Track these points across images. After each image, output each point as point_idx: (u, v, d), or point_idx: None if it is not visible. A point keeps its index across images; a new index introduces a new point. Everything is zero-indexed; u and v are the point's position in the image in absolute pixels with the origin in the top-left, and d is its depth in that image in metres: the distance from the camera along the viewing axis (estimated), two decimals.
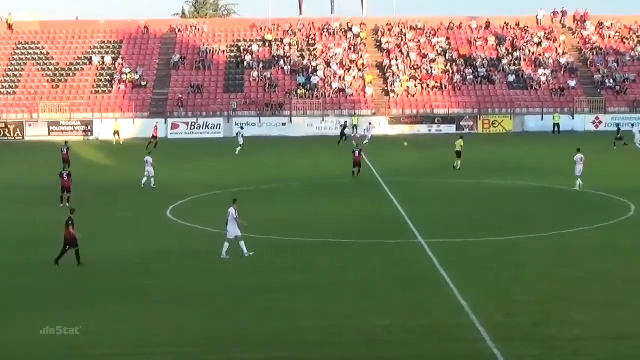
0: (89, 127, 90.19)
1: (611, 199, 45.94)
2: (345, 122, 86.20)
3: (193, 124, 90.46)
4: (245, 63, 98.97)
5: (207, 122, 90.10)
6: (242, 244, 33.19)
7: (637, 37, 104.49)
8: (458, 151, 59.16)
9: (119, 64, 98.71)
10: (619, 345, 22.92)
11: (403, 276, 30.24)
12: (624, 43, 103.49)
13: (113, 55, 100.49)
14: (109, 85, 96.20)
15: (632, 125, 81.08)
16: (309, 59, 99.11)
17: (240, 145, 71.50)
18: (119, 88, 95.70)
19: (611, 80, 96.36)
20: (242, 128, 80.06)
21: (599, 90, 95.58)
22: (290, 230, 38.78)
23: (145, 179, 51.96)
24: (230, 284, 29.55)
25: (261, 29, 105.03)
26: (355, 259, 32.93)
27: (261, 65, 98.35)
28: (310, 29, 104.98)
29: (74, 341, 23.59)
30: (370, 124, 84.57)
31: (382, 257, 33.30)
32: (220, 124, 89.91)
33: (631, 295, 27.57)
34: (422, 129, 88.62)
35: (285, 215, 42.73)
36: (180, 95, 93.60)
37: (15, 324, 25.33)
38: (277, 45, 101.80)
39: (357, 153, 55.29)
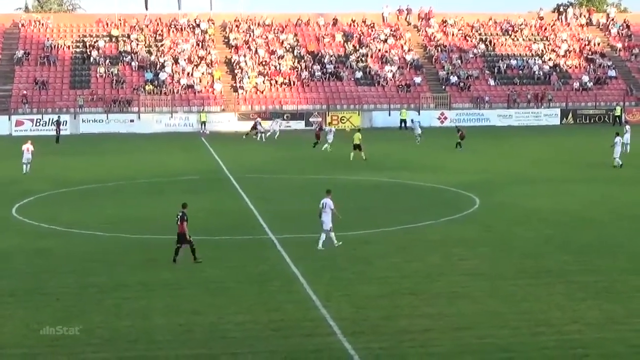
0: None
1: (457, 194, 47.03)
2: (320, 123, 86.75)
3: (38, 120, 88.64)
4: (92, 59, 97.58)
5: (52, 119, 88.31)
6: (324, 236, 33.96)
7: (479, 34, 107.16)
8: (357, 144, 61.33)
9: None
10: (464, 336, 23.58)
11: (254, 272, 30.35)
12: (467, 40, 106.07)
13: None
14: None
15: (412, 120, 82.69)
16: (156, 55, 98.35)
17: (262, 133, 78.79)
18: None
19: (455, 77, 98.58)
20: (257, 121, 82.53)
21: (443, 87, 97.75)
22: (140, 227, 38.47)
23: None
24: (80, 282, 29.13)
25: (107, 24, 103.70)
26: (206, 256, 32.82)
27: (108, 61, 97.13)
28: (158, 24, 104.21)
29: None
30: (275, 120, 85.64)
31: (234, 253, 33.33)
32: (66, 121, 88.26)
33: (473, 286, 28.36)
34: (263, 124, 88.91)
35: (134, 213, 42.33)
36: (24, 92, 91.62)
37: None
38: (124, 40, 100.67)
39: (318, 129, 62.96)
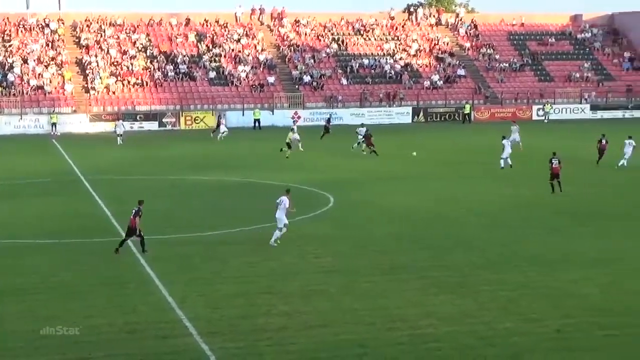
0: None
1: (313, 192, 47.35)
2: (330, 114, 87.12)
3: None
4: None
5: None
6: (279, 233, 34.35)
7: (332, 34, 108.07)
8: (288, 142, 63.81)
9: None
10: (319, 333, 23.84)
11: (109, 275, 30.01)
12: (320, 40, 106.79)
13: None
14: None
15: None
16: (4, 56, 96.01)
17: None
18: None
19: (308, 76, 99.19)
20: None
21: (297, 86, 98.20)
22: None
23: None
24: None
25: None
26: (60, 260, 32.35)
27: None
28: (5, 24, 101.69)
29: None
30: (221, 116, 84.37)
31: (87, 256, 32.87)
32: None
33: (328, 284, 28.68)
34: (124, 126, 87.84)
35: None
36: None
37: None
38: None
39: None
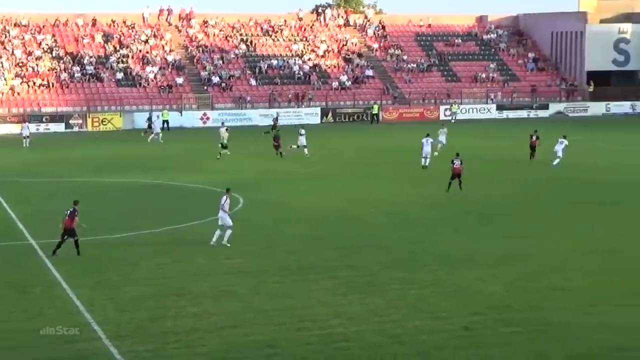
0: None
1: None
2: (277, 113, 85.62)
3: None
4: None
5: None
6: (218, 233, 34.31)
7: (240, 35, 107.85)
8: (222, 143, 63.11)
9: None
10: (229, 334, 23.84)
11: (15, 279, 29.57)
12: (228, 41, 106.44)
13: None
14: None
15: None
16: None
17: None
18: None
19: (217, 77, 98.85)
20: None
21: (205, 87, 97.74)
22: None
23: None
24: None
25: None
26: None
27: None
28: None
29: None
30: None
31: None
32: None
33: (238, 285, 28.68)
34: (30, 127, 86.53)
35: None
36: None
37: None
38: None
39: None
